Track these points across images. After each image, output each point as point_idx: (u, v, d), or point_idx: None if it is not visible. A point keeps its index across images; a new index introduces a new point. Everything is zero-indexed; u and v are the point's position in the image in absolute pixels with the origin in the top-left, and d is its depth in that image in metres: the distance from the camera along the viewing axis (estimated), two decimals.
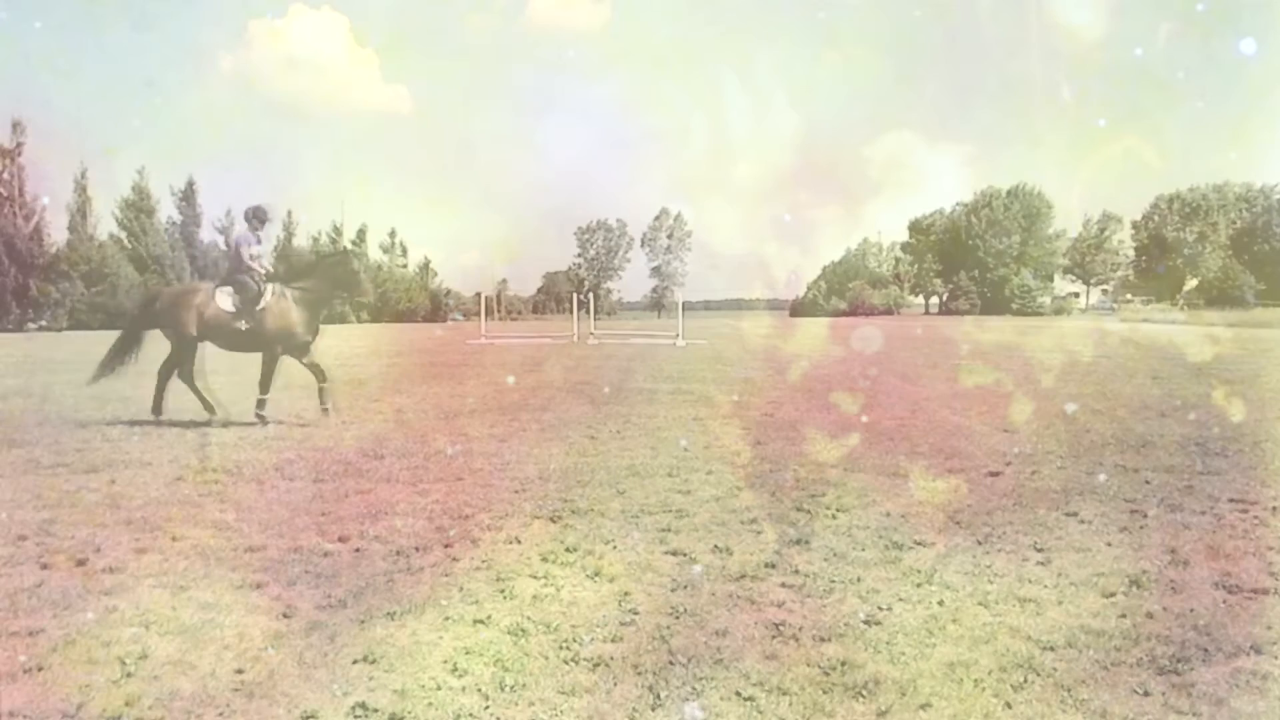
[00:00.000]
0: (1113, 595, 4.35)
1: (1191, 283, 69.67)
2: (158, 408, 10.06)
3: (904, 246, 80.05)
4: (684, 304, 39.84)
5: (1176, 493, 6.41)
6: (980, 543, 5.22)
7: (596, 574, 4.68)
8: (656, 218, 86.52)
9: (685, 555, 4.99)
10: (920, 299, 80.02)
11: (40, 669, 3.56)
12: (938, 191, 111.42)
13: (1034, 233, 74.13)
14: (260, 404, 10.00)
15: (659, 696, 3.35)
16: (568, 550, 5.08)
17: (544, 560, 4.91)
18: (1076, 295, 78.99)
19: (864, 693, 3.37)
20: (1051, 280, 76.63)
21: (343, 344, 28.42)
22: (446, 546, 5.16)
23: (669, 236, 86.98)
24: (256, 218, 10.47)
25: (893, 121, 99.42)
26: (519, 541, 5.26)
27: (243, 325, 10.04)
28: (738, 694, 3.36)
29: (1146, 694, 3.35)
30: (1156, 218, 73.39)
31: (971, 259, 74.22)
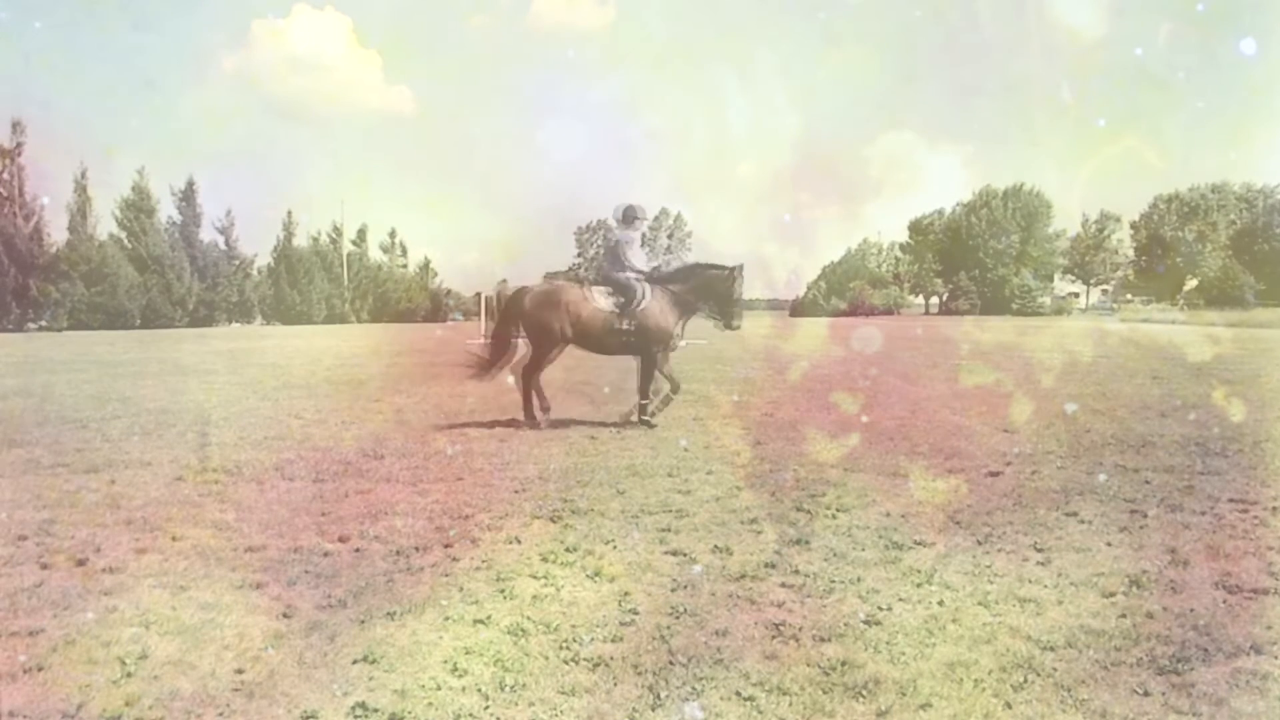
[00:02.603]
0: (1113, 595, 4.36)
1: (1191, 283, 69.60)
2: (531, 415, 9.66)
3: (904, 246, 79.92)
4: None
5: (1176, 493, 6.41)
6: (980, 543, 5.23)
7: (596, 574, 4.68)
8: (656, 218, 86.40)
9: (685, 555, 4.99)
10: (920, 299, 79.94)
11: (40, 669, 3.56)
12: (938, 191, 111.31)
13: (1033, 233, 74.00)
14: (643, 409, 9.76)
15: (659, 696, 3.35)
16: (568, 550, 5.08)
17: (544, 560, 4.91)
18: (1076, 295, 78.92)
19: (864, 693, 3.37)
20: (1051, 280, 76.50)
21: (343, 344, 28.45)
22: (446, 546, 5.16)
23: (669, 236, 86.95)
24: (632, 216, 10.07)
25: (893, 121, 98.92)
26: (519, 541, 5.27)
27: (625, 326, 9.71)
28: (738, 694, 3.37)
29: (1146, 694, 3.35)
30: (1155, 217, 73.34)
31: (971, 259, 74.12)
